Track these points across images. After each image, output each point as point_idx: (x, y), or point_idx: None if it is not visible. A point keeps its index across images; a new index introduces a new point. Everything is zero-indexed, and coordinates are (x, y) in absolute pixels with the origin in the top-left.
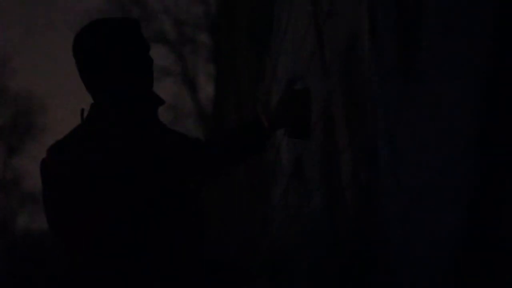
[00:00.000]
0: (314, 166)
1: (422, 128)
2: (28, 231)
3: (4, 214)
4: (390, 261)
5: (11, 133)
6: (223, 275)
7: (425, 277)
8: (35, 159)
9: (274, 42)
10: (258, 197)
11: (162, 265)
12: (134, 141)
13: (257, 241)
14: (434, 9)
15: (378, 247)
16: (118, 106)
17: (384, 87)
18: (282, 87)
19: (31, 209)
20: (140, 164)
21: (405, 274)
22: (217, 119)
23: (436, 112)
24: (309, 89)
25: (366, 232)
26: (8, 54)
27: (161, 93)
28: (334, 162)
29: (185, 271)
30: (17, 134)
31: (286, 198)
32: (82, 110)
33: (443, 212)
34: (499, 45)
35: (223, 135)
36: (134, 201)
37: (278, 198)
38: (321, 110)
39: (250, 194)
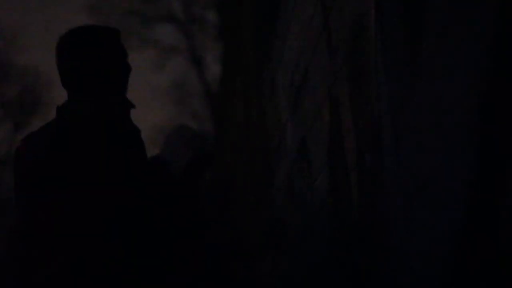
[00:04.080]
0: (319, 147)
1: (426, 113)
2: None
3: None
4: (391, 243)
5: (18, 109)
6: (226, 256)
7: (427, 261)
8: None
9: (281, 22)
10: (262, 178)
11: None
12: (100, 146)
13: (260, 220)
14: None
15: (380, 228)
16: (91, 109)
17: (389, 69)
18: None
19: None
20: (101, 170)
21: (406, 257)
22: (224, 98)
23: (440, 97)
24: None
25: (369, 214)
26: (14, 30)
27: (168, 72)
28: (338, 144)
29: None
30: (24, 110)
31: (290, 179)
32: (58, 107)
33: (445, 194)
34: (501, 40)
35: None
36: (91, 204)
37: (282, 179)
38: (327, 91)
39: (254, 176)
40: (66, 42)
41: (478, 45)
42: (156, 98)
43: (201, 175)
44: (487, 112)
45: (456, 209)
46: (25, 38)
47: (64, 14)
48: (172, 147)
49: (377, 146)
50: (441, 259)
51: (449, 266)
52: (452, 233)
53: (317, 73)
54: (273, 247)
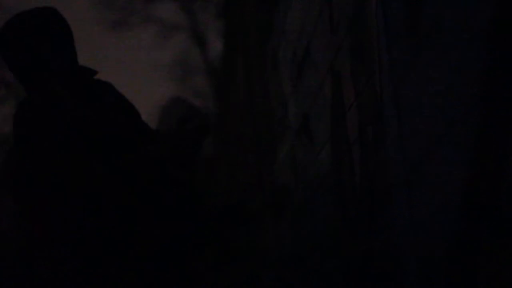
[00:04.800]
0: (321, 122)
1: (428, 87)
2: None
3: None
4: (394, 215)
5: (19, 87)
6: (228, 214)
7: (429, 232)
8: None
9: None
10: (265, 153)
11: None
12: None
13: (261, 181)
14: None
15: (383, 200)
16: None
17: (391, 43)
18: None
19: None
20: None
21: (409, 229)
22: (226, 75)
23: (441, 72)
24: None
25: (371, 186)
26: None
27: (170, 49)
28: (341, 118)
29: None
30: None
31: (293, 153)
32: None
33: (448, 166)
34: (501, 9)
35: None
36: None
37: (285, 153)
38: (328, 65)
39: (257, 149)
40: (3, 33)
41: (480, 15)
42: (158, 76)
43: (198, 147)
44: (488, 82)
45: (458, 180)
46: None
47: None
48: (168, 119)
49: (379, 120)
50: (444, 231)
51: (452, 237)
52: (455, 203)
53: (319, 47)
54: (275, 213)
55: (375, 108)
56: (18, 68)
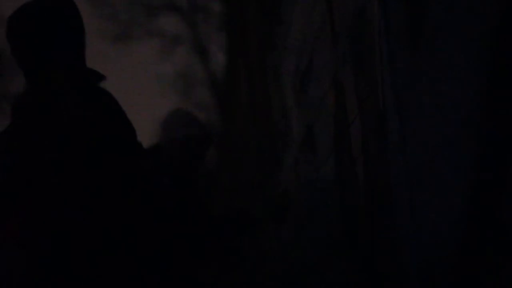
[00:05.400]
0: (324, 133)
1: (430, 98)
2: None
3: None
4: (398, 228)
5: None
6: (230, 220)
7: (432, 248)
8: None
9: (284, 11)
10: (268, 165)
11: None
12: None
13: (264, 188)
14: None
15: (386, 213)
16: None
17: (393, 55)
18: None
19: None
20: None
21: (413, 241)
22: (229, 87)
23: (443, 81)
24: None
25: (375, 199)
26: None
27: (172, 62)
28: (344, 130)
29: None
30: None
31: (296, 165)
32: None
33: (451, 178)
34: (505, 17)
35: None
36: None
37: (288, 165)
38: (331, 77)
39: (260, 163)
40: (13, 20)
41: (481, 30)
42: (161, 88)
43: (200, 156)
44: (490, 93)
45: (461, 192)
46: None
47: None
48: (170, 131)
49: (382, 132)
50: (446, 237)
51: (455, 243)
52: (457, 210)
53: (322, 59)
54: (277, 220)
55: (378, 119)
56: (24, 58)
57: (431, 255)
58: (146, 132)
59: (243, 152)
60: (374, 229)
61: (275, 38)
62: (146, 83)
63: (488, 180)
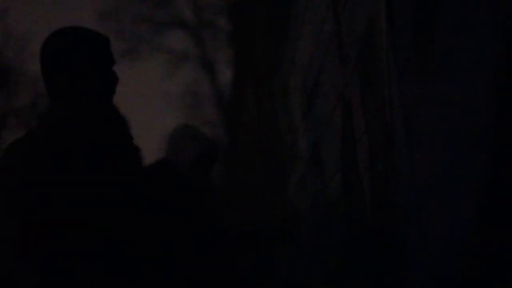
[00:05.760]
0: (332, 151)
1: (438, 116)
2: None
3: None
4: (406, 245)
5: (30, 115)
6: (239, 241)
7: (439, 262)
8: None
9: (292, 28)
10: (275, 182)
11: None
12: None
13: (271, 205)
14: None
15: (394, 231)
16: (75, 116)
17: (401, 73)
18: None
19: None
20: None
21: (421, 259)
22: (236, 104)
23: (451, 99)
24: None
25: (382, 217)
26: (25, 37)
27: (179, 78)
28: (351, 148)
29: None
30: (35, 116)
31: (304, 183)
32: (39, 114)
33: (458, 197)
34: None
35: None
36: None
37: (296, 183)
38: (339, 95)
39: (267, 180)
40: (48, 45)
41: (488, 48)
42: (168, 104)
43: (208, 171)
44: (498, 114)
45: (468, 212)
46: (36, 45)
47: (74, 21)
48: (177, 146)
49: (389, 150)
50: (455, 258)
51: (464, 263)
52: (466, 233)
53: (329, 77)
54: (285, 236)
55: (385, 138)
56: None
57: (440, 272)
58: (153, 148)
59: (250, 168)
60: (381, 246)
61: (283, 55)
62: (153, 99)
63: (497, 196)
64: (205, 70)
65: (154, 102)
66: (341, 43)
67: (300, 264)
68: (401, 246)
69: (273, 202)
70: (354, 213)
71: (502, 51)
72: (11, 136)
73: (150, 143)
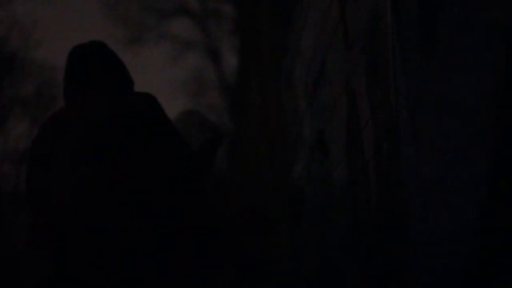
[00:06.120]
0: (337, 139)
1: (443, 103)
2: None
3: None
4: (410, 232)
5: (35, 105)
6: (246, 223)
7: (444, 253)
8: None
9: (297, 15)
10: (280, 169)
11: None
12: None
13: (276, 189)
14: None
15: (399, 218)
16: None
17: (406, 61)
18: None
19: None
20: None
21: (425, 246)
22: (241, 91)
23: (456, 87)
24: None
25: (387, 204)
26: (31, 25)
27: (184, 65)
28: (356, 135)
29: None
30: (41, 105)
31: (309, 170)
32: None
33: (463, 184)
34: None
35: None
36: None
37: (300, 170)
38: (344, 84)
39: (272, 167)
40: (70, 57)
41: (495, 36)
42: (173, 92)
43: (214, 155)
44: (503, 103)
45: (474, 198)
46: (39, 32)
47: (79, 9)
48: (183, 132)
49: (394, 137)
50: (461, 248)
51: (469, 254)
52: (471, 221)
53: (334, 64)
54: (291, 217)
55: (390, 125)
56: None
57: (444, 259)
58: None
59: (255, 155)
60: (387, 236)
61: (288, 42)
62: (158, 86)
63: (504, 185)
64: (210, 57)
65: (159, 89)
66: (346, 30)
67: (305, 250)
68: (406, 232)
69: (278, 185)
70: (359, 201)
71: (507, 41)
72: (16, 125)
73: None
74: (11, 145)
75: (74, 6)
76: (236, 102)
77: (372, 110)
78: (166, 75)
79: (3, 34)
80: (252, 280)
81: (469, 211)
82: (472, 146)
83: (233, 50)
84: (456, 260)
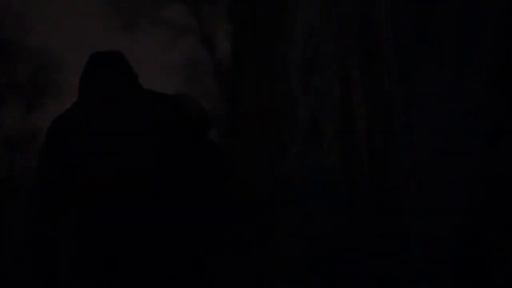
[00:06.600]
0: (331, 123)
1: (435, 86)
2: None
3: (22, 170)
4: (403, 217)
5: (30, 90)
6: (240, 202)
7: (438, 237)
8: (53, 115)
9: (291, 1)
10: (274, 151)
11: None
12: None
13: (269, 173)
14: None
15: (391, 202)
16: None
17: (400, 45)
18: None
19: None
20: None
21: (418, 231)
22: (235, 76)
23: (450, 72)
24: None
25: (381, 188)
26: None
27: (179, 51)
28: (350, 120)
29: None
30: (36, 90)
31: (302, 155)
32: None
33: (457, 169)
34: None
35: None
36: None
37: (294, 155)
38: (338, 68)
39: (266, 153)
40: (89, 64)
41: (488, 18)
42: (167, 77)
43: (202, 138)
44: (497, 84)
45: (467, 184)
46: (35, 19)
47: None
48: None
49: (388, 122)
50: (455, 232)
51: (463, 238)
52: (466, 203)
53: (328, 50)
54: (280, 201)
55: (384, 108)
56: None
57: (439, 251)
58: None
59: (249, 140)
60: (380, 220)
61: (282, 28)
62: (152, 71)
63: (498, 173)
64: (204, 43)
65: (153, 74)
66: (340, 15)
67: (298, 237)
68: (399, 219)
69: (272, 170)
70: (353, 183)
71: (502, 24)
72: (11, 112)
73: None
74: (5, 131)
75: None
76: (230, 88)
77: (366, 92)
78: (160, 60)
79: None
80: (246, 263)
81: (464, 193)
82: (465, 129)
83: (227, 35)
84: (450, 244)
